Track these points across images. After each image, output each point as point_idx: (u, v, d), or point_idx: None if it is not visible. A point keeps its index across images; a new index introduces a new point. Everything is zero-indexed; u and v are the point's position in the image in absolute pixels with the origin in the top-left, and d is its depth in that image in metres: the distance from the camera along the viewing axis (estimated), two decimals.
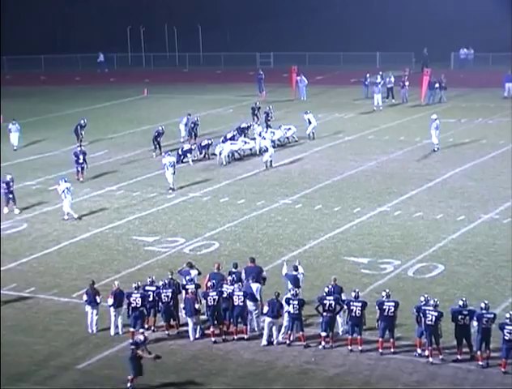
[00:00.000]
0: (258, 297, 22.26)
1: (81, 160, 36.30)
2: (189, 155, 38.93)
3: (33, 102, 56.21)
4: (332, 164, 38.66)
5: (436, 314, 20.66)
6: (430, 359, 20.62)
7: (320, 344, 21.59)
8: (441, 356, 20.69)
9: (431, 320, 20.65)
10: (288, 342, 21.69)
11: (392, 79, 53.08)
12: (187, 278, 22.94)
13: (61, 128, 47.75)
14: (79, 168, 36.28)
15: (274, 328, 21.77)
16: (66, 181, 32.08)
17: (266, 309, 21.80)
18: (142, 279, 23.45)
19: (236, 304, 22.06)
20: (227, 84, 60.80)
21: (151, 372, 20.60)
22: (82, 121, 42.84)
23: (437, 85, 51.52)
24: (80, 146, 38.07)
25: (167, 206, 33.28)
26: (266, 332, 21.81)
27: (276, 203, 33.25)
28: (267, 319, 21.76)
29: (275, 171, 37.99)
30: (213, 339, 21.91)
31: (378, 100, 50.35)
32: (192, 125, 42.98)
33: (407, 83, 52.18)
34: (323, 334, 21.60)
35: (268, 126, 44.04)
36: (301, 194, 34.33)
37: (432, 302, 20.91)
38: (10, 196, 32.75)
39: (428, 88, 51.81)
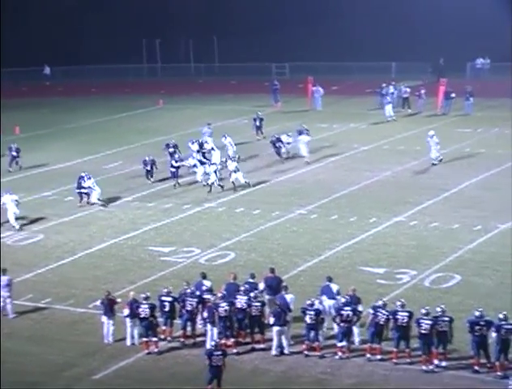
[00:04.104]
0: (292, 307, 22.17)
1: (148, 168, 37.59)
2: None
3: (47, 113, 56.44)
4: (347, 174, 38.58)
5: (430, 322, 20.66)
6: (423, 367, 20.62)
7: (336, 354, 21.50)
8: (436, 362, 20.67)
9: (425, 329, 20.65)
10: (305, 352, 21.61)
11: (408, 89, 53.02)
12: (203, 288, 22.93)
13: (76, 139, 47.96)
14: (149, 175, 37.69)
15: (283, 337, 21.70)
16: (10, 194, 32.74)
17: (272, 319, 21.72)
18: (157, 290, 23.46)
19: (253, 314, 21.98)
20: (242, 95, 60.87)
21: (167, 382, 20.59)
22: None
23: (453, 95, 51.41)
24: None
25: (182, 216, 33.29)
26: (275, 342, 21.74)
27: (291, 213, 33.20)
28: (275, 328, 21.69)
29: (290, 181, 37.96)
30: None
31: (389, 110, 50.14)
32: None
33: (423, 91, 52.12)
34: (339, 344, 21.52)
35: (261, 133, 44.69)
36: (317, 204, 34.26)
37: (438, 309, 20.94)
38: (83, 191, 34.47)
39: (444, 98, 51.69)
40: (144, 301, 22.12)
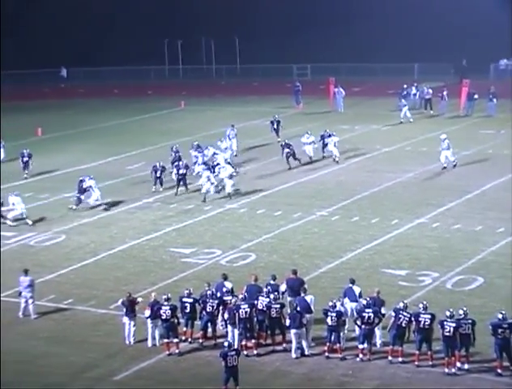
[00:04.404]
0: (313, 309, 22.12)
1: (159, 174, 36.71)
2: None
3: (70, 115, 56.67)
4: (369, 176, 38.43)
5: (454, 324, 20.52)
6: (446, 369, 20.48)
7: (357, 356, 21.41)
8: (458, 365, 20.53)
9: (449, 331, 20.51)
10: (326, 354, 21.53)
11: (430, 90, 52.78)
12: (224, 290, 22.91)
13: (98, 140, 48.13)
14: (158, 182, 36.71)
15: (302, 339, 21.63)
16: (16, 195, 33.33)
17: (288, 321, 21.66)
18: (179, 291, 23.46)
19: (273, 316, 21.95)
20: (264, 96, 60.86)
21: (187, 383, 20.58)
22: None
23: (476, 96, 51.11)
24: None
25: (203, 217, 33.30)
26: (294, 344, 21.67)
27: (313, 214, 33.12)
28: (292, 331, 21.62)
29: (311, 183, 37.87)
30: (245, 352, 21.78)
31: (406, 112, 49.83)
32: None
33: (445, 93, 51.87)
34: (361, 346, 21.42)
35: (277, 132, 44.35)
36: (338, 205, 34.15)
37: (460, 312, 20.81)
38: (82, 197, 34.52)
39: (466, 99, 51.40)
40: (165, 303, 22.12)
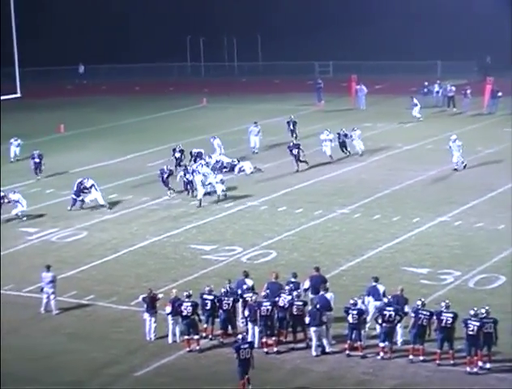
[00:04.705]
0: (333, 307, 22.08)
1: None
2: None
3: (92, 112, 56.85)
4: (391, 174, 38.27)
5: (478, 323, 20.39)
6: (467, 368, 20.39)
7: (378, 354, 21.33)
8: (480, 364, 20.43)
9: (472, 330, 20.40)
10: (347, 352, 21.47)
11: (453, 88, 52.50)
12: (244, 287, 22.90)
13: (120, 137, 48.25)
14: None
15: (322, 337, 21.59)
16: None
17: (307, 319, 21.61)
18: (199, 288, 23.48)
19: (295, 313, 21.92)
20: (285, 94, 60.77)
21: (207, 381, 20.58)
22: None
23: (499, 94, 50.77)
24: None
25: (224, 215, 33.30)
26: (314, 342, 21.62)
27: (334, 212, 33.03)
28: (312, 329, 21.59)
29: (332, 180, 37.78)
30: (265, 349, 21.77)
31: (417, 111, 49.43)
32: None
33: (468, 91, 51.58)
34: (382, 344, 21.34)
35: (295, 135, 43.82)
36: (359, 203, 34.05)
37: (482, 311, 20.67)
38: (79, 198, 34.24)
39: (490, 97, 51.07)
40: (186, 299, 22.14)
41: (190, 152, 39.23)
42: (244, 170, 38.96)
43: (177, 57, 71.48)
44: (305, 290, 22.99)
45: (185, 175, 35.48)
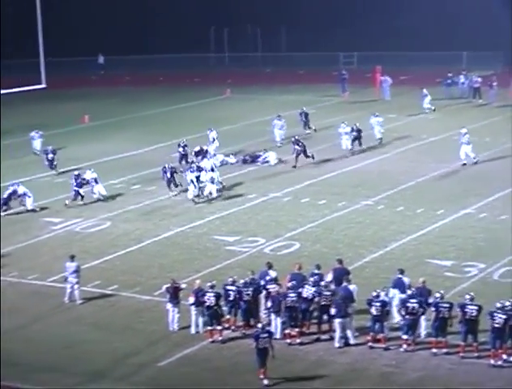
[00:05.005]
0: (356, 299, 22.05)
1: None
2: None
3: (116, 103, 57.00)
4: (415, 166, 38.07)
5: (505, 316, 20.25)
6: (492, 361, 20.26)
7: (401, 346, 21.25)
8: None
9: (498, 323, 20.26)
10: (370, 344, 21.42)
11: (479, 79, 52.10)
12: (267, 278, 22.89)
13: (143, 128, 48.32)
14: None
15: (347, 328, 21.54)
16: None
17: (333, 310, 21.58)
18: (222, 279, 23.50)
19: (322, 304, 21.89)
20: (309, 85, 60.60)
21: (230, 371, 20.62)
22: None
23: None
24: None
25: (247, 206, 33.29)
26: (338, 334, 21.59)
27: (357, 204, 32.93)
28: (336, 320, 21.56)
29: (356, 172, 37.66)
30: (288, 340, 21.77)
31: (428, 101, 49.08)
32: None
33: (495, 84, 51.16)
34: (405, 337, 21.26)
35: (309, 127, 43.50)
36: (383, 195, 33.91)
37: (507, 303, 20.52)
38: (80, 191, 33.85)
39: None
40: (210, 290, 22.17)
41: (202, 149, 38.79)
42: (268, 161, 38.94)
43: (200, 48, 71.41)
44: (329, 282, 22.93)
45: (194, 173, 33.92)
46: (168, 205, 33.68)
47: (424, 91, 49.69)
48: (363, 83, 57.34)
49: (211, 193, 33.71)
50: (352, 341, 21.61)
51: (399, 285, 22.34)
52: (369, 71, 57.30)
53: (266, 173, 37.71)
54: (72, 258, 25.03)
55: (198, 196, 33.68)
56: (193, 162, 36.68)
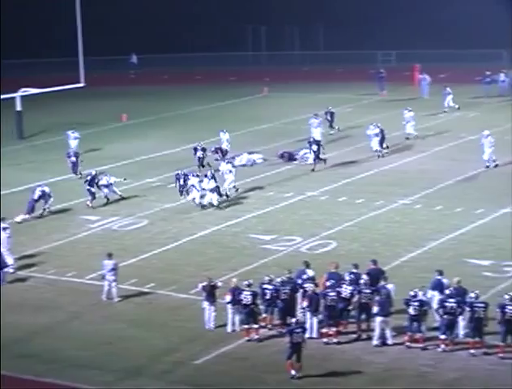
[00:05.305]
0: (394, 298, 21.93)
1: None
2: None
3: (153, 101, 57.17)
4: (453, 164, 37.76)
5: None
6: None
7: (439, 346, 21.07)
8: None
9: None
10: (407, 344, 21.27)
11: None
12: (304, 277, 22.84)
13: (180, 126, 48.46)
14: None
15: (386, 328, 21.41)
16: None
17: (376, 308, 21.46)
18: (258, 278, 23.47)
19: (362, 301, 21.81)
20: (347, 83, 60.38)
21: (266, 371, 20.57)
22: None
23: None
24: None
25: (284, 204, 33.23)
26: (377, 332, 21.47)
27: (395, 203, 32.73)
28: (378, 319, 21.44)
29: (393, 171, 37.43)
30: (325, 339, 21.70)
31: (449, 101, 48.53)
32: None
33: None
34: (442, 337, 21.08)
35: (332, 127, 42.96)
36: (421, 194, 33.67)
37: None
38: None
39: None
40: (247, 288, 22.15)
41: (220, 149, 38.80)
42: (307, 158, 38.77)
43: (238, 47, 71.46)
44: (365, 284, 22.80)
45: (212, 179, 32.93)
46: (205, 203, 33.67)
47: (448, 89, 49.24)
48: (401, 81, 57.01)
49: (211, 204, 32.68)
50: (389, 341, 21.48)
51: (438, 286, 22.14)
52: (408, 69, 56.94)
53: (303, 171, 37.60)
54: (110, 255, 25.16)
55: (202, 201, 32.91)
56: (208, 165, 36.83)
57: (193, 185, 32.96)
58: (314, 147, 37.78)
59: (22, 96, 46.78)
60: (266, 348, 21.63)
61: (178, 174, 34.11)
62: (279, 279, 22.56)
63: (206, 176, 33.04)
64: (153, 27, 72.05)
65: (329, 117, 44.47)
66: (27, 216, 31.96)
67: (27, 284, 26.36)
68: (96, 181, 33.78)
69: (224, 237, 29.83)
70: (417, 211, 31.66)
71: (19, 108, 46.53)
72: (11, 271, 26.95)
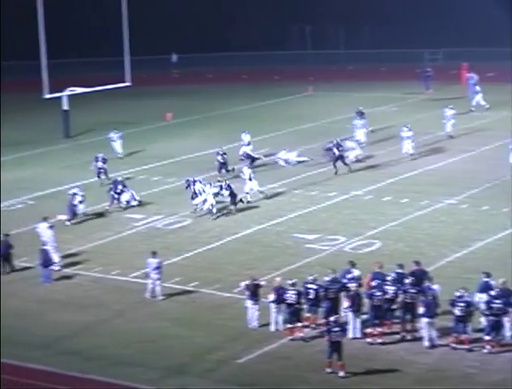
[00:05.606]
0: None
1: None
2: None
3: (198, 100, 57.35)
4: (501, 164, 37.19)
5: None
6: None
7: (484, 348, 20.80)
8: None
9: None
10: (452, 345, 21.04)
11: None
12: (348, 276, 22.71)
13: (224, 125, 48.51)
14: None
15: (432, 329, 21.20)
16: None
17: (421, 309, 21.26)
18: (302, 277, 23.39)
19: (407, 301, 21.65)
20: (392, 82, 59.98)
21: (309, 370, 20.49)
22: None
23: None
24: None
25: (328, 204, 33.10)
26: (426, 333, 21.26)
27: (440, 202, 32.41)
28: (424, 320, 21.24)
29: (439, 170, 37.08)
30: (369, 340, 21.56)
31: (480, 101, 47.92)
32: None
33: None
34: (487, 338, 20.81)
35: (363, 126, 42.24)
36: (467, 194, 33.31)
37: None
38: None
39: None
40: (291, 288, 22.08)
41: (249, 155, 38.46)
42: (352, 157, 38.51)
43: (283, 46, 71.41)
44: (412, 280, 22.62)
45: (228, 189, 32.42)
46: (248, 202, 33.65)
47: (477, 87, 48.59)
48: (448, 80, 56.46)
49: (211, 211, 31.91)
50: (435, 342, 21.26)
51: (485, 289, 21.83)
52: (455, 68, 56.35)
53: (347, 171, 37.35)
54: (154, 254, 25.27)
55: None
56: (233, 169, 36.58)
57: (199, 191, 32.41)
58: (336, 151, 36.71)
59: (68, 96, 47.27)
60: (309, 348, 21.55)
61: (189, 180, 33.07)
62: (326, 279, 22.44)
63: (221, 187, 32.16)
64: (198, 26, 72.29)
65: (358, 117, 43.72)
66: (67, 223, 31.70)
67: (73, 282, 26.60)
68: (119, 190, 33.19)
69: (267, 236, 29.79)
70: (463, 211, 31.31)
71: (65, 107, 47.03)
72: (57, 268, 27.23)
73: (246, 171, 34.09)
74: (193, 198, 32.80)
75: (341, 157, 36.90)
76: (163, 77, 66.21)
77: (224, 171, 37.09)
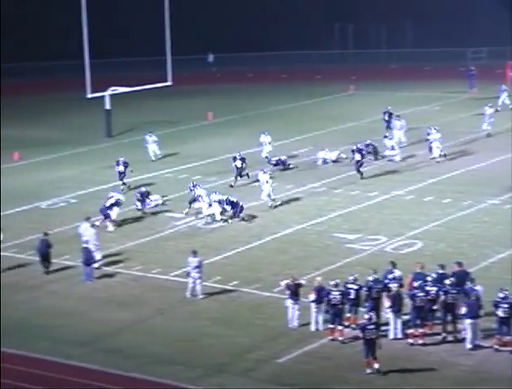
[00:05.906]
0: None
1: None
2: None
3: (239, 99, 57.39)
4: None
5: None
6: None
7: None
8: None
9: None
10: (496, 347, 20.78)
11: None
12: (390, 276, 22.55)
13: (265, 124, 48.34)
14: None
15: (475, 330, 20.95)
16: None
17: (463, 309, 21.02)
18: (342, 277, 23.26)
19: (448, 302, 21.47)
20: (434, 81, 59.48)
21: (350, 370, 20.37)
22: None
23: None
24: None
25: (368, 204, 32.90)
26: (469, 335, 21.02)
27: (483, 203, 32.05)
28: (467, 321, 21.00)
29: (482, 170, 36.67)
30: (411, 340, 21.38)
31: (505, 99, 47.37)
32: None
33: None
34: None
35: (389, 127, 41.40)
36: (510, 194, 32.88)
37: None
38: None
39: None
40: (334, 288, 21.97)
41: (280, 159, 37.94)
42: (393, 158, 38.28)
43: (325, 45, 71.20)
44: (450, 285, 22.38)
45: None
46: (289, 202, 33.58)
47: (503, 86, 47.91)
48: (493, 79, 55.76)
49: (213, 218, 31.49)
50: (477, 343, 21.01)
51: None
52: (500, 67, 55.69)
53: (389, 170, 37.16)
54: (194, 253, 25.30)
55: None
56: (247, 176, 35.79)
57: (200, 196, 31.99)
58: (358, 156, 35.85)
59: (111, 95, 47.60)
60: (350, 348, 21.43)
61: (193, 185, 32.61)
62: (370, 278, 22.31)
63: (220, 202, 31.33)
64: (239, 25, 72.29)
65: (386, 118, 43.09)
66: (111, 229, 31.13)
67: (114, 280, 26.74)
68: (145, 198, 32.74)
69: (307, 236, 29.70)
70: (507, 212, 30.93)
71: (108, 106, 47.36)
72: (97, 265, 27.39)
73: (262, 176, 33.12)
74: (191, 203, 32.28)
75: (359, 162, 35.79)
76: (203, 76, 66.35)
77: (239, 177, 35.81)
